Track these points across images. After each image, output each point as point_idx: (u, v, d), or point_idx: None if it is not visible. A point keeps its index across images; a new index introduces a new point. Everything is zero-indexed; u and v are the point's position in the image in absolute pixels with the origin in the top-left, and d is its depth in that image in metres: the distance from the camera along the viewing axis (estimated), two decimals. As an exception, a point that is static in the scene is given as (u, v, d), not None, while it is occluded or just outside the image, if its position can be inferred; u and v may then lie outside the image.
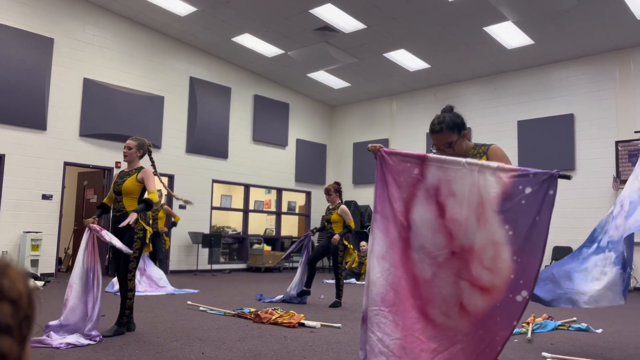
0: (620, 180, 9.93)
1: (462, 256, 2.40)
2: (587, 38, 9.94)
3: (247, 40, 11.10)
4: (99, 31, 10.28)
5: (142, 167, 4.59)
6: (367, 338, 2.53)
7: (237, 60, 12.36)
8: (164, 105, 11.14)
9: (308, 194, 14.24)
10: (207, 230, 11.77)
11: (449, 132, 2.70)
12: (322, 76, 12.77)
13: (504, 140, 11.59)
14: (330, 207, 6.87)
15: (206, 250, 11.77)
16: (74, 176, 11.33)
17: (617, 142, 10.19)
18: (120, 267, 4.41)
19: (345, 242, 6.66)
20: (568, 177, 2.33)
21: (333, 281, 10.23)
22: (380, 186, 2.76)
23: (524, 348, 4.14)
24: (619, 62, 10.33)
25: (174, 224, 8.66)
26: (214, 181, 12.11)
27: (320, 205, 14.22)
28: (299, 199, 14.55)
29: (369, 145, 2.83)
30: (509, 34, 9.89)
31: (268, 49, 11.43)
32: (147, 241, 4.54)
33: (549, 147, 10.93)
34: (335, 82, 13.16)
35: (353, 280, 10.38)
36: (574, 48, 10.42)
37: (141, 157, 4.72)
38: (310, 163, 14.24)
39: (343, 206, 6.75)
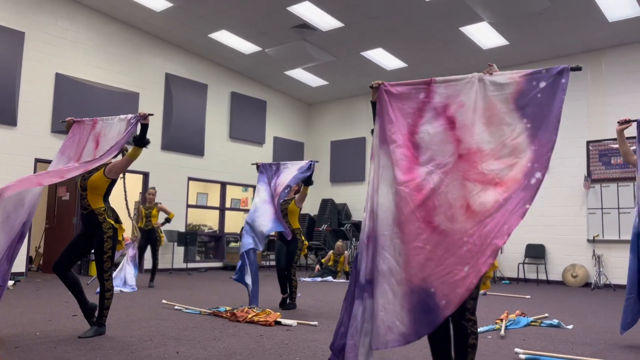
0: (591, 179, 10.15)
1: (469, 158, 2.50)
2: (559, 39, 10.12)
3: (224, 37, 11.01)
4: (72, 25, 10.08)
5: (110, 162, 4.50)
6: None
7: (214, 57, 12.25)
8: (139, 102, 10.97)
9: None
10: (182, 229, 11.65)
11: None
12: (299, 74, 12.75)
13: (479, 140, 11.74)
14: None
15: (182, 249, 11.65)
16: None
17: (588, 142, 10.41)
18: (97, 267, 4.32)
19: (302, 238, 6.41)
20: (579, 69, 2.54)
21: (310, 279, 10.25)
22: (381, 120, 2.85)
23: (497, 344, 4.20)
24: (590, 63, 10.55)
25: (168, 221, 8.64)
26: (190, 179, 11.99)
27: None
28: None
29: (373, 82, 2.95)
30: (484, 35, 10.02)
31: (245, 46, 11.36)
32: (120, 238, 4.46)
33: (523, 147, 11.09)
34: (313, 80, 13.15)
35: (330, 278, 10.40)
36: (547, 49, 10.60)
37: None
38: (288, 161, 14.19)
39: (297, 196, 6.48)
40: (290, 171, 6.05)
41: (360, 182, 13.60)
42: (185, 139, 11.78)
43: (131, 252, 7.95)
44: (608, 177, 10.05)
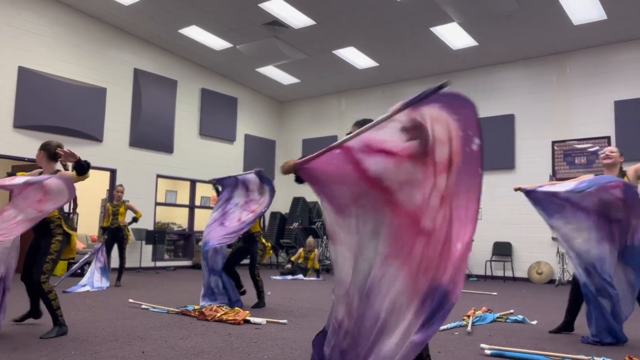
0: (555, 178, 10.39)
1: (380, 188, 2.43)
2: (527, 41, 10.33)
3: (194, 33, 10.87)
4: (37, 17, 9.80)
5: (58, 171, 4.39)
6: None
7: (184, 53, 12.08)
8: (107, 97, 10.75)
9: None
10: (151, 227, 11.47)
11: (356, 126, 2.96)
12: (271, 71, 12.68)
13: (448, 139, 11.89)
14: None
15: (150, 247, 11.47)
16: (7, 170, 10.74)
17: (553, 142, 10.66)
18: (34, 269, 4.16)
19: (264, 241, 6.39)
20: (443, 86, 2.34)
21: (280, 277, 10.22)
22: (319, 193, 2.74)
23: (463, 340, 4.26)
24: (556, 65, 10.80)
25: (136, 220, 8.47)
26: (159, 176, 11.80)
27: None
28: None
29: (282, 170, 2.85)
30: (454, 35, 10.15)
31: (216, 42, 11.24)
32: (73, 246, 4.37)
33: (491, 146, 11.26)
34: (285, 78, 13.10)
35: (300, 276, 10.39)
36: (515, 51, 10.81)
37: (50, 158, 4.47)
38: (259, 158, 14.12)
39: None
40: (256, 189, 6.20)
41: (332, 181, 13.60)
42: (154, 135, 11.60)
43: (100, 260, 7.76)
44: (572, 176, 10.22)
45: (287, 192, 14.08)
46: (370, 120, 2.91)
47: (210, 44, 11.33)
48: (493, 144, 11.30)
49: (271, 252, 6.70)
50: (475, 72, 11.81)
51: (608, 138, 10.01)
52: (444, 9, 8.93)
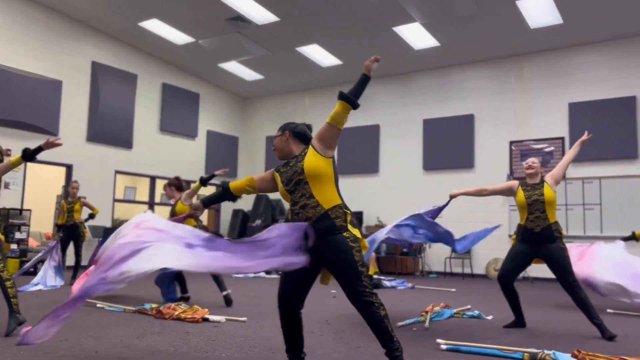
0: (513, 178, 10.67)
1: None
2: (486, 43, 10.56)
3: (155, 26, 10.65)
4: (-12, 6, 9.41)
5: None
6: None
7: (145, 47, 11.82)
8: (62, 90, 10.42)
9: (218, 187, 13.96)
10: (108, 224, 11.18)
11: (280, 131, 3.09)
12: (234, 67, 12.55)
13: (410, 139, 12.05)
14: (172, 202, 6.38)
15: (108, 245, 11.18)
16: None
17: (511, 142, 10.93)
18: None
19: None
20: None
21: (242, 275, 10.14)
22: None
23: (421, 336, 4.32)
24: (515, 67, 11.08)
25: (92, 216, 8.23)
26: (117, 172, 11.52)
27: (230, 198, 14.02)
28: (210, 192, 14.23)
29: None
30: (416, 35, 10.27)
31: (178, 37, 11.04)
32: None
33: (451, 146, 11.50)
34: (248, 74, 12.99)
35: (262, 273, 10.32)
36: (476, 52, 11.03)
37: None
38: (221, 155, 13.97)
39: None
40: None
41: (295, 178, 13.59)
42: (112, 130, 11.31)
43: (55, 258, 7.52)
44: (528, 175, 10.59)
45: (249, 190, 13.98)
46: (293, 124, 3.10)
47: (171, 38, 11.12)
48: (453, 144, 11.52)
49: None
50: (437, 72, 11.99)
51: (562, 139, 10.34)
52: (407, 9, 9.03)
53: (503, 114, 11.08)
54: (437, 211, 5.18)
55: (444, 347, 3.77)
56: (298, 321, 2.96)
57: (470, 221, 10.89)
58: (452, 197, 5.11)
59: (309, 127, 3.16)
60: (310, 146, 2.95)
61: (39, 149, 4.19)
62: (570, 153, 4.97)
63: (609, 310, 5.79)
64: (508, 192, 4.98)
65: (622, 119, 9.77)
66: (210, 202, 3.34)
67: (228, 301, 5.87)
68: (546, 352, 3.43)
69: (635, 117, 9.69)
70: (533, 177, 4.86)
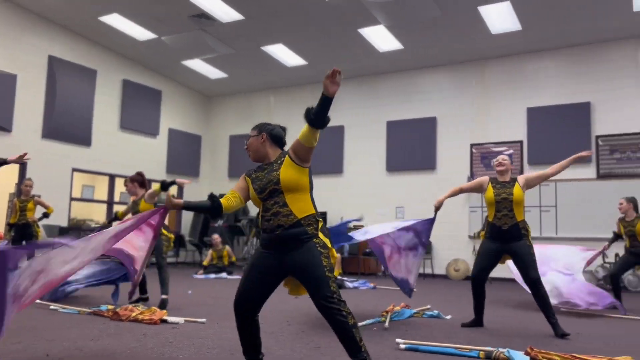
0: (473, 179, 10.87)
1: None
2: (449, 47, 10.74)
3: (116, 21, 10.39)
4: (-63, -6, 8.99)
5: None
6: None
7: (105, 42, 11.53)
8: (17, 85, 10.05)
9: (180, 186, 13.73)
10: (65, 223, 10.85)
11: (255, 131, 3.10)
12: (198, 65, 12.38)
13: (374, 140, 12.15)
14: (135, 199, 6.14)
15: (64, 245, 10.84)
16: None
17: (472, 145, 11.15)
18: None
19: (165, 232, 6.15)
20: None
21: (203, 276, 10.00)
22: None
23: (380, 335, 4.35)
24: (476, 71, 11.31)
25: (46, 215, 7.95)
26: (75, 170, 11.19)
27: (193, 198, 13.84)
28: (171, 191, 13.97)
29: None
30: (381, 38, 10.36)
31: (139, 32, 10.81)
32: None
33: (414, 148, 11.65)
34: (212, 72, 12.84)
35: (224, 274, 10.22)
36: (439, 56, 11.21)
37: None
38: (184, 154, 13.76)
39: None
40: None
41: (258, 178, 13.51)
42: (70, 127, 10.98)
43: None
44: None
45: (212, 189, 13.83)
46: (269, 126, 3.09)
47: (133, 33, 10.88)
48: (416, 146, 11.67)
49: (173, 244, 6.52)
50: (401, 74, 12.13)
51: (521, 142, 10.62)
52: (372, 12, 9.10)
53: (464, 117, 11.30)
54: (427, 224, 5.26)
55: (402, 346, 3.81)
56: (255, 324, 2.91)
57: (435, 222, 11.05)
58: (437, 207, 5.07)
59: (284, 129, 3.11)
60: (287, 155, 2.89)
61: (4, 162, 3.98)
62: (557, 167, 4.85)
63: (562, 309, 5.97)
64: (478, 188, 5.04)
65: (577, 124, 10.10)
66: (191, 209, 3.18)
67: (162, 305, 5.63)
68: (501, 350, 3.50)
69: (589, 122, 10.03)
70: (503, 174, 4.92)
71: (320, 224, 2.82)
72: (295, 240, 2.74)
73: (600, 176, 9.84)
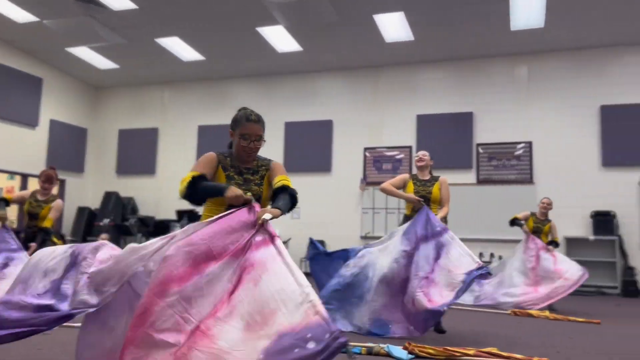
0: (366, 182, 11.24)
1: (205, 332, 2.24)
2: (346, 52, 11.01)
3: (-10, -1, 9.43)
4: None
5: None
6: None
7: (-23, 20, 10.41)
8: None
9: (62, 182, 12.77)
10: None
11: (263, 127, 2.94)
12: (85, 53, 11.59)
13: (272, 140, 12.10)
14: (40, 198, 5.55)
15: None
16: None
17: (365, 149, 11.51)
18: None
19: (55, 239, 5.76)
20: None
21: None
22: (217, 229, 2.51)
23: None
24: (371, 77, 11.70)
25: None
26: (-64, 161, 10.00)
27: (76, 195, 12.96)
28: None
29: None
30: (280, 38, 10.36)
31: (19, 14, 9.88)
32: None
33: (311, 150, 11.80)
34: (101, 62, 12.08)
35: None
36: (336, 60, 11.45)
37: None
38: (67, 148, 12.82)
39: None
40: None
41: (151, 175, 12.96)
42: None
43: None
44: (380, 180, 11.19)
45: (99, 186, 13.06)
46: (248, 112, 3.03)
47: (11, 15, 9.92)
48: (312, 148, 11.83)
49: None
50: (299, 76, 12.23)
51: (410, 148, 11.14)
52: (271, 11, 9.07)
53: (359, 122, 11.63)
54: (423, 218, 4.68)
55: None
56: None
57: (326, 222, 11.27)
58: (417, 200, 4.83)
59: None
60: (267, 174, 2.93)
61: None
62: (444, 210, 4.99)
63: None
64: (402, 185, 5.16)
65: (461, 132, 10.80)
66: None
67: None
68: (381, 345, 3.63)
69: (472, 131, 10.76)
70: (423, 169, 5.13)
71: None
72: None
73: (480, 181, 10.60)
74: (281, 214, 2.61)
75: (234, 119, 3.00)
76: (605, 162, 9.86)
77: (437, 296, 4.16)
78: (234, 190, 2.55)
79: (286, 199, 2.74)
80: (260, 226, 2.45)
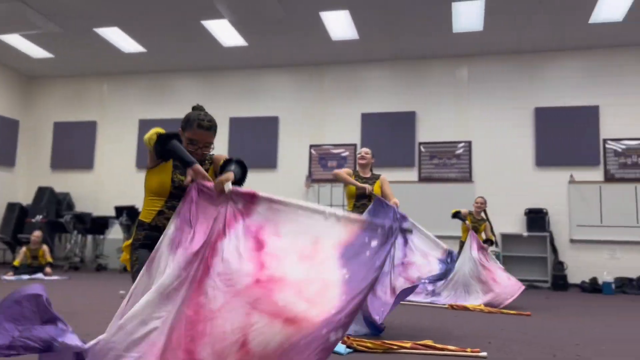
0: (311, 179, 11.26)
1: (266, 286, 2.17)
2: (292, 49, 10.98)
3: None
4: None
5: None
6: None
7: None
8: None
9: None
10: None
11: (214, 133, 2.86)
12: (16, 40, 10.99)
13: (217, 136, 11.90)
14: None
15: None
16: None
17: (311, 146, 11.53)
18: None
19: None
20: (410, 232, 2.61)
21: (14, 278, 8.88)
22: (184, 218, 2.48)
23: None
24: (317, 75, 11.72)
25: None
26: None
27: (6, 190, 12.31)
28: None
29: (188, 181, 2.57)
30: (225, 32, 10.20)
31: (-58, -5, 9.26)
32: None
33: (256, 146, 11.70)
34: (35, 51, 11.50)
35: (40, 274, 9.18)
36: (282, 56, 11.39)
37: None
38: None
39: None
40: None
41: (88, 170, 12.47)
42: None
43: None
44: (325, 178, 11.29)
45: (31, 181, 12.45)
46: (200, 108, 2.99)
47: None
48: (258, 144, 11.74)
49: None
50: (245, 72, 12.09)
51: (355, 145, 11.26)
52: (216, 4, 8.90)
53: (305, 119, 11.64)
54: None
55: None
56: None
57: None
58: (369, 191, 4.92)
59: None
60: (211, 167, 2.93)
61: None
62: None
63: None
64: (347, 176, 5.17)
65: (404, 131, 11.00)
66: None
67: None
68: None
69: (414, 130, 10.99)
70: (365, 167, 5.21)
71: None
72: None
73: (422, 179, 10.84)
74: (235, 178, 2.61)
75: (186, 119, 2.90)
76: (538, 162, 10.32)
77: (415, 273, 4.39)
78: (200, 168, 2.55)
79: (236, 165, 2.76)
80: (226, 196, 2.46)
